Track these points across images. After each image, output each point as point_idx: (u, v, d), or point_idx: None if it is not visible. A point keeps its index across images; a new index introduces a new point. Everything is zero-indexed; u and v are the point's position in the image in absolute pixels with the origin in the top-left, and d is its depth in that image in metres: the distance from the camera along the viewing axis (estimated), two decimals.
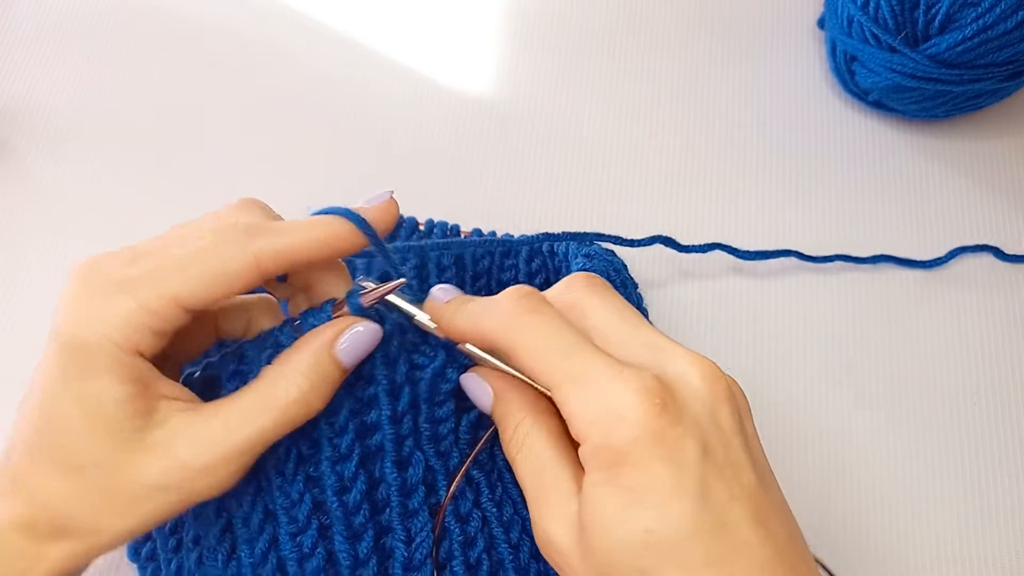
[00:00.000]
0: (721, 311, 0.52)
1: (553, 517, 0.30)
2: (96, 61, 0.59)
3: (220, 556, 0.34)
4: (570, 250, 0.46)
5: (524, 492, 0.32)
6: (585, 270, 0.42)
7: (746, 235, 0.54)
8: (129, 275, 0.30)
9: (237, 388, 0.32)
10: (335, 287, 0.35)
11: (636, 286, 0.48)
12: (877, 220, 0.54)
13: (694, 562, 0.27)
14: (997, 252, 0.53)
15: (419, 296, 0.35)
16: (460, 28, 0.62)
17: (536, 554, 0.36)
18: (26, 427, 0.30)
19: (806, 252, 0.52)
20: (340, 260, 0.36)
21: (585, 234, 0.45)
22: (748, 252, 0.50)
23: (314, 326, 0.33)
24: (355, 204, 0.34)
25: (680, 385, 0.29)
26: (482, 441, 0.36)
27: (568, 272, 0.45)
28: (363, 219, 0.33)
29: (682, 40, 0.61)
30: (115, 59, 0.59)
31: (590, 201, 0.55)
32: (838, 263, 0.52)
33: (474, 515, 0.35)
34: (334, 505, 0.34)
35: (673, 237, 0.48)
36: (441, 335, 0.34)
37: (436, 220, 0.49)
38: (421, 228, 0.49)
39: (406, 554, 0.34)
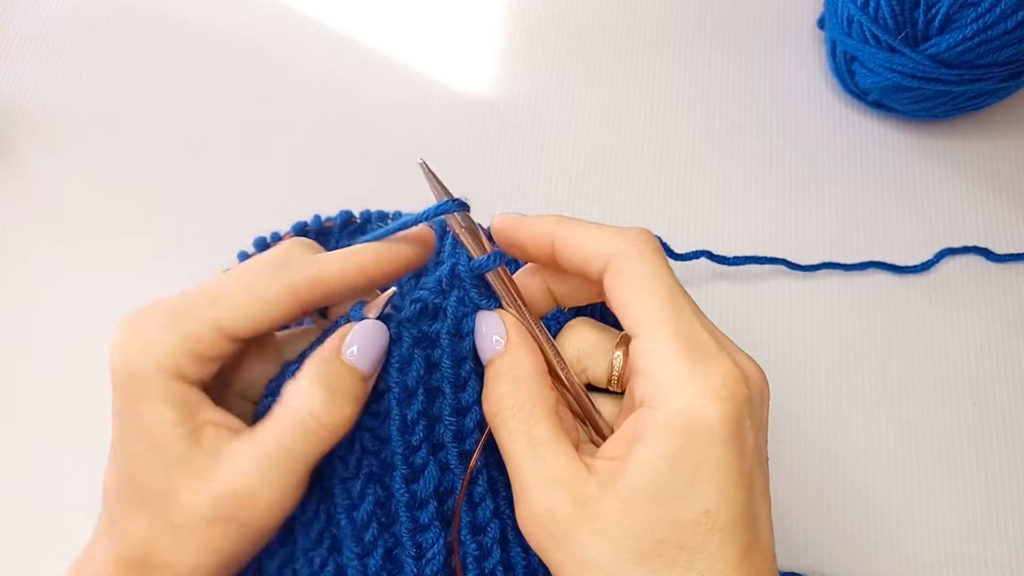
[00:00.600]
0: (714, 316, 0.52)
1: (559, 495, 0.29)
2: (96, 61, 0.59)
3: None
4: None
5: (513, 463, 0.31)
6: None
7: (744, 233, 0.54)
8: (172, 307, 0.32)
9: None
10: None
11: None
12: (877, 219, 0.54)
13: (732, 550, 0.28)
14: (987, 253, 0.53)
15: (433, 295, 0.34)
16: (460, 28, 0.62)
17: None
18: (110, 467, 0.32)
19: (804, 251, 0.52)
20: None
21: None
22: (734, 259, 0.50)
23: None
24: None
25: (750, 380, 0.30)
26: (484, 436, 0.34)
27: None
28: (395, 225, 0.34)
29: (682, 40, 0.61)
30: (115, 59, 0.59)
31: (590, 200, 0.55)
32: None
33: (492, 524, 0.34)
34: (343, 521, 0.33)
35: (669, 235, 0.49)
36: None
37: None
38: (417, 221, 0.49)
39: (415, 570, 0.33)
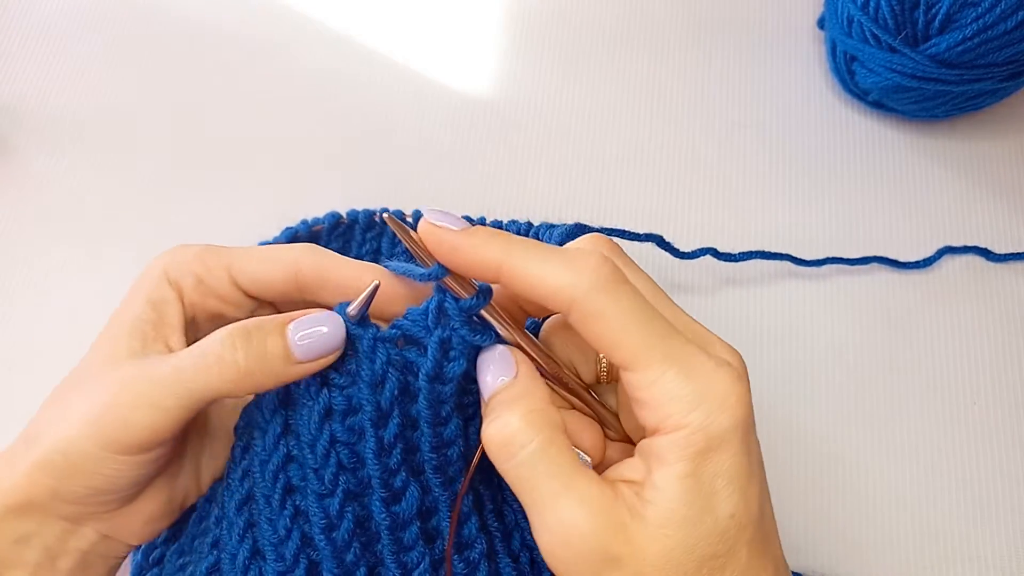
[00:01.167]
0: (715, 315, 0.52)
1: (600, 521, 0.28)
2: (97, 61, 0.59)
3: None
4: (554, 238, 0.45)
5: (535, 497, 0.29)
6: None
7: (744, 234, 0.54)
8: (210, 245, 0.35)
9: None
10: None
11: None
12: (877, 219, 0.54)
13: (757, 540, 0.29)
14: (987, 253, 0.53)
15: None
16: (460, 28, 0.62)
17: (533, 563, 0.35)
18: None
19: (805, 250, 0.52)
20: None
21: (580, 227, 0.43)
22: (739, 255, 0.50)
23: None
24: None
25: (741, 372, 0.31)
26: (477, 456, 0.33)
27: None
28: (411, 268, 0.33)
29: (682, 40, 0.61)
30: (116, 59, 0.59)
31: (589, 200, 0.55)
32: (831, 264, 0.52)
33: (479, 539, 0.33)
34: (322, 542, 0.32)
35: (671, 235, 0.48)
36: (454, 271, 0.30)
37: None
38: (409, 219, 0.49)
39: None
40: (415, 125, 0.57)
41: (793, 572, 0.44)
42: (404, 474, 0.32)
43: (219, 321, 0.35)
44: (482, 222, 0.48)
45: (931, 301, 0.52)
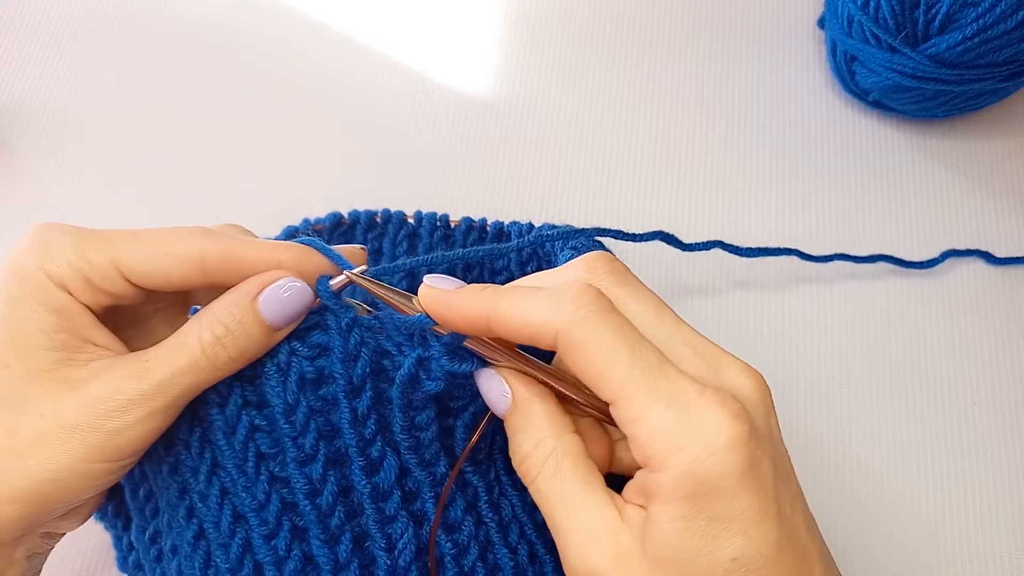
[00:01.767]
0: (720, 315, 0.52)
1: (595, 549, 0.29)
2: (97, 61, 0.59)
3: (197, 563, 0.34)
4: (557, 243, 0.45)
5: (550, 520, 0.30)
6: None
7: (745, 234, 0.54)
8: (84, 230, 0.32)
9: None
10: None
11: None
12: (876, 220, 0.54)
13: None
14: (988, 256, 0.53)
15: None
16: (460, 28, 0.62)
17: (533, 558, 0.35)
18: None
19: (806, 249, 0.52)
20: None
21: (584, 230, 0.43)
22: (747, 249, 0.50)
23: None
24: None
25: (746, 401, 0.29)
26: (469, 446, 0.34)
27: (558, 263, 0.44)
28: (329, 247, 0.33)
29: (682, 40, 0.61)
30: (116, 59, 0.59)
31: (589, 200, 0.55)
32: (836, 264, 0.52)
33: (466, 522, 0.34)
34: (307, 508, 0.33)
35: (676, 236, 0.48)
36: (446, 328, 0.32)
37: (424, 212, 0.49)
38: (409, 220, 0.49)
39: (388, 561, 0.33)
40: (416, 125, 0.57)
41: None
42: (380, 444, 0.33)
43: (120, 310, 0.33)
44: (483, 223, 0.48)
45: (934, 302, 0.52)
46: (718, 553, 0.27)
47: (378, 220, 0.49)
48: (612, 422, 0.33)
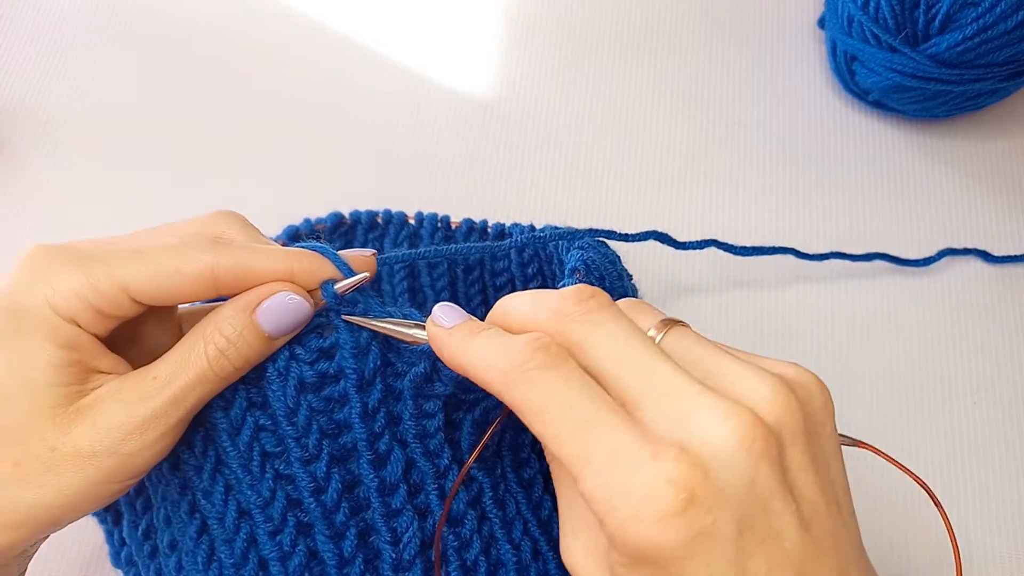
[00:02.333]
0: (717, 314, 0.52)
1: (582, 548, 0.28)
2: (96, 61, 0.59)
3: (200, 558, 0.34)
4: (559, 242, 0.45)
5: (559, 500, 0.30)
6: (586, 262, 0.40)
7: (746, 233, 0.54)
8: (85, 252, 0.30)
9: None
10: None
11: (631, 277, 0.48)
12: (877, 220, 0.54)
13: None
14: (986, 255, 0.53)
15: (406, 310, 0.34)
16: (460, 29, 0.62)
17: (536, 555, 0.36)
18: None
19: (806, 249, 0.52)
20: None
21: (578, 231, 0.43)
22: (743, 248, 0.50)
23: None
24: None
25: (707, 455, 0.25)
26: (483, 441, 0.34)
27: (560, 263, 0.44)
28: (339, 257, 0.33)
29: (682, 40, 0.61)
30: (116, 59, 0.59)
31: (589, 200, 0.55)
32: (835, 262, 0.52)
33: (469, 516, 0.34)
34: (311, 504, 0.33)
35: (672, 235, 0.48)
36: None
37: (426, 213, 0.49)
38: (411, 222, 0.49)
39: (394, 555, 0.33)
40: (416, 126, 0.57)
41: None
42: (388, 438, 0.34)
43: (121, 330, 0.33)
44: (484, 225, 0.48)
45: (931, 301, 0.52)
46: None
47: (379, 221, 0.49)
48: None
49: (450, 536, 0.34)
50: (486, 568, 0.34)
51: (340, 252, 0.34)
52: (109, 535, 0.39)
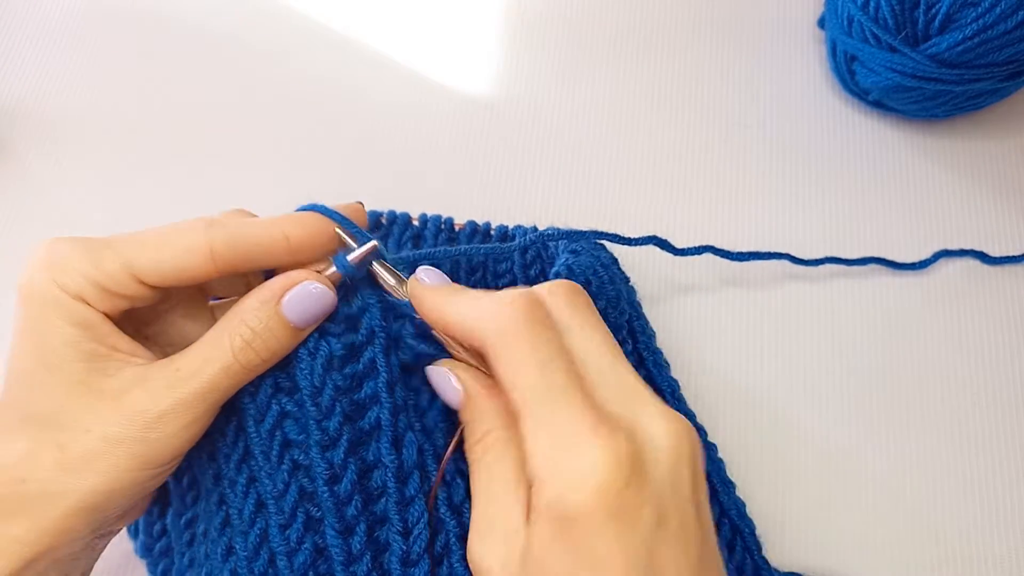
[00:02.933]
0: (713, 315, 0.52)
1: (492, 545, 0.29)
2: (97, 61, 0.59)
3: (220, 550, 0.34)
4: (559, 244, 0.45)
5: (472, 503, 0.31)
6: (570, 266, 0.41)
7: (745, 233, 0.54)
8: (91, 239, 0.32)
9: None
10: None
11: (627, 280, 0.48)
12: (876, 219, 0.54)
13: None
14: (983, 256, 0.53)
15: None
16: (460, 29, 0.62)
17: None
18: (3, 390, 0.32)
19: (805, 251, 0.52)
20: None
21: (580, 232, 0.43)
22: (739, 254, 0.50)
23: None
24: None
25: (649, 447, 0.28)
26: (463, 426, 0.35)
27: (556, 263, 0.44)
28: (331, 209, 0.34)
29: (682, 40, 0.61)
30: (116, 59, 0.59)
31: (589, 200, 0.55)
32: (829, 266, 0.52)
33: (466, 506, 0.34)
34: (324, 495, 0.33)
35: (672, 236, 0.48)
36: (419, 315, 0.34)
37: (430, 215, 0.49)
38: (415, 223, 0.49)
39: (404, 547, 0.33)
40: (415, 126, 0.57)
41: (793, 572, 0.44)
42: (404, 419, 0.34)
43: (140, 310, 0.34)
44: (487, 227, 0.48)
45: (929, 303, 0.52)
46: None
47: (383, 221, 0.49)
48: None
49: (452, 522, 0.34)
50: None
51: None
52: (148, 526, 0.39)
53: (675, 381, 0.46)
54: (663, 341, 0.49)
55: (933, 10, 0.49)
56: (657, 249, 0.46)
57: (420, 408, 0.35)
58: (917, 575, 0.45)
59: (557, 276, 0.40)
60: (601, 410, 0.28)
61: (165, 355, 0.33)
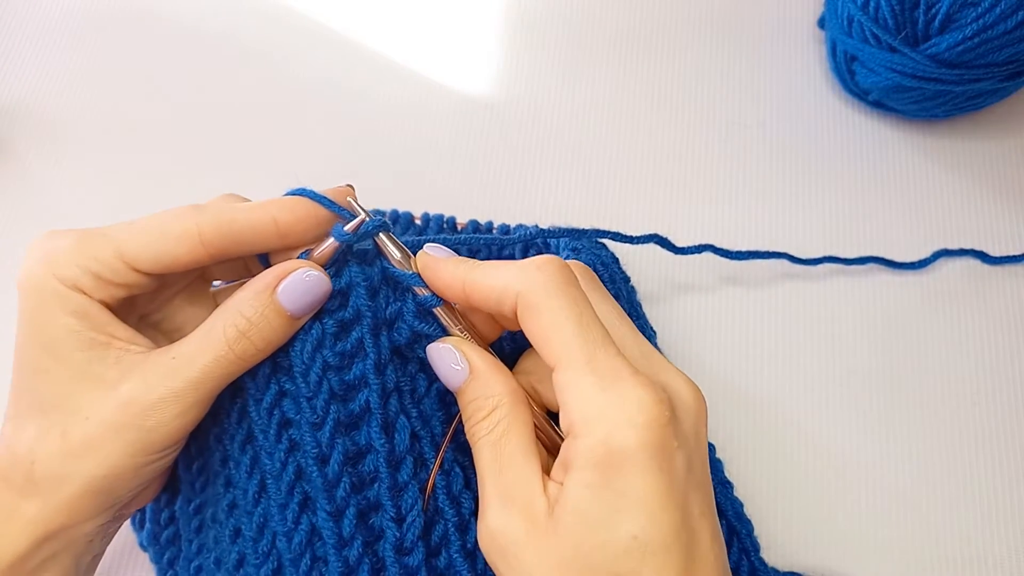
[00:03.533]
0: (713, 314, 0.52)
1: (512, 513, 0.30)
2: (96, 61, 0.59)
3: (228, 532, 0.34)
4: (560, 243, 0.45)
5: (481, 478, 0.32)
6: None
7: (745, 232, 0.54)
8: (82, 231, 0.33)
9: None
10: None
11: (628, 279, 0.48)
12: (876, 219, 0.54)
13: (669, 570, 0.28)
14: (983, 256, 0.53)
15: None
16: (461, 29, 0.62)
17: None
18: (12, 379, 0.33)
19: (805, 250, 0.52)
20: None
21: (582, 230, 0.43)
22: (738, 253, 0.50)
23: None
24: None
25: (677, 400, 0.30)
26: (456, 420, 0.35)
27: None
28: (318, 193, 0.34)
29: (682, 40, 0.61)
30: (115, 59, 0.59)
31: (590, 200, 0.55)
32: (829, 265, 0.52)
33: (465, 496, 0.34)
34: (314, 475, 0.33)
35: (672, 236, 0.48)
36: (432, 289, 0.34)
37: (432, 214, 0.49)
38: (417, 222, 0.49)
39: (398, 535, 0.33)
40: (415, 126, 0.57)
41: (793, 572, 0.44)
42: (396, 402, 0.34)
43: (141, 298, 0.34)
44: (489, 228, 0.49)
45: (929, 302, 0.52)
46: (620, 527, 0.28)
47: (387, 220, 0.49)
48: (552, 426, 0.34)
49: (450, 511, 0.34)
50: None
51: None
52: (155, 514, 0.39)
53: None
54: (663, 341, 0.49)
55: (933, 10, 0.49)
56: (657, 249, 0.46)
57: (417, 394, 0.35)
58: (917, 575, 0.45)
59: None
60: (632, 365, 0.30)
61: (170, 341, 0.34)
